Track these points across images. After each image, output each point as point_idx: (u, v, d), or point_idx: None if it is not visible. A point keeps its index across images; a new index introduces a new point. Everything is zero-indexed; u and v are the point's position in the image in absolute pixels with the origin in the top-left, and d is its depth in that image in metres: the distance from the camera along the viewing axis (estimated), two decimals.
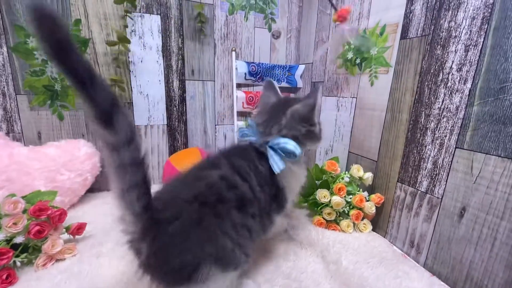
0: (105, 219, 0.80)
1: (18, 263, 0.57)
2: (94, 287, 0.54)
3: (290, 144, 0.55)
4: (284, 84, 1.21)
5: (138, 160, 0.39)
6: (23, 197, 0.64)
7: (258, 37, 1.15)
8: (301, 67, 1.19)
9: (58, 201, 0.78)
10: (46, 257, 0.60)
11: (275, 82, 0.68)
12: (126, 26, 0.92)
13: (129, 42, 0.92)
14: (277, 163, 0.54)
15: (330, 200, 0.78)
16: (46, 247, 0.60)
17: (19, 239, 0.57)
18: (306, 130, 0.59)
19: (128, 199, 0.40)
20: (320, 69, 1.08)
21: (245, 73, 1.13)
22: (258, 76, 1.17)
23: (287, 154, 0.55)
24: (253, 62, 1.15)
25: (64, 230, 0.67)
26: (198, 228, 0.44)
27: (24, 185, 0.76)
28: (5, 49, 0.83)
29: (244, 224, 0.50)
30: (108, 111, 0.34)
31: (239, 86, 1.16)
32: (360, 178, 0.82)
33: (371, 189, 0.83)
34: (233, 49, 1.11)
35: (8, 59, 0.84)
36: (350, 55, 0.91)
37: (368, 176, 0.81)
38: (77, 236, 0.69)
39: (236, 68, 1.11)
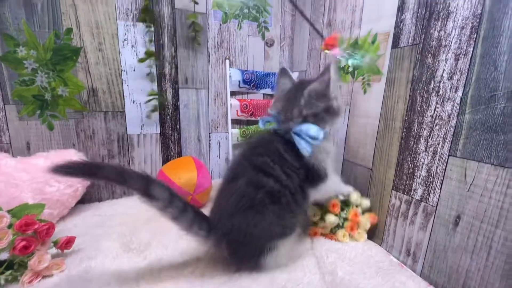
0: (96, 231, 0.78)
1: (2, 281, 0.55)
2: None
3: (313, 130, 0.60)
4: None
5: (184, 207, 0.56)
6: (9, 211, 0.62)
7: (252, 45, 1.15)
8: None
9: (46, 214, 0.76)
10: (32, 273, 0.58)
11: (288, 69, 0.72)
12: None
13: (155, 55, 0.98)
14: (305, 148, 0.60)
15: (324, 218, 0.75)
16: (32, 263, 0.57)
17: (3, 256, 0.55)
18: (325, 105, 0.63)
19: (194, 232, 0.58)
20: (314, 76, 1.08)
21: (239, 81, 1.13)
22: (252, 84, 1.17)
23: (312, 138, 0.60)
24: (247, 70, 1.15)
25: (52, 244, 0.65)
26: (249, 228, 0.57)
27: (11, 197, 0.73)
28: None
29: (282, 212, 0.60)
30: (146, 188, 0.52)
31: (233, 94, 1.15)
32: (358, 206, 0.79)
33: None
34: (227, 57, 1.11)
35: None
36: (343, 63, 0.92)
37: (367, 203, 0.78)
38: (65, 250, 0.67)
39: (230, 76, 1.11)
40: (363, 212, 0.78)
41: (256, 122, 1.21)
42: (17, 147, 0.88)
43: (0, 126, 0.86)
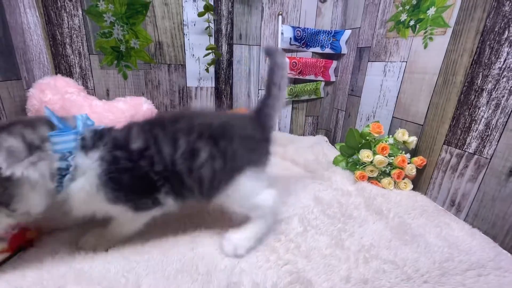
0: None
1: None
2: None
3: None
4: (328, 50, 1.21)
5: None
6: None
7: (305, 1, 1.14)
8: (347, 33, 1.18)
9: None
10: None
11: None
12: None
13: (212, 9, 0.99)
14: None
15: (372, 160, 0.81)
16: None
17: None
18: None
19: None
20: (368, 33, 1.06)
21: (290, 38, 1.15)
22: (302, 42, 1.18)
23: None
24: (299, 27, 1.16)
25: None
26: None
27: None
28: (80, 11, 0.93)
29: None
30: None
31: (283, 51, 1.18)
32: (404, 142, 0.84)
33: (413, 153, 0.85)
34: (280, 13, 1.12)
35: (83, 21, 0.94)
36: (403, 17, 0.89)
37: (413, 140, 0.83)
38: None
39: (282, 33, 1.13)
40: (410, 151, 0.84)
41: (303, 81, 1.24)
42: (99, 93, 1.03)
43: (86, 73, 1.00)
